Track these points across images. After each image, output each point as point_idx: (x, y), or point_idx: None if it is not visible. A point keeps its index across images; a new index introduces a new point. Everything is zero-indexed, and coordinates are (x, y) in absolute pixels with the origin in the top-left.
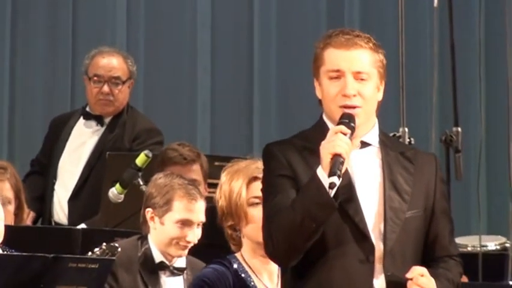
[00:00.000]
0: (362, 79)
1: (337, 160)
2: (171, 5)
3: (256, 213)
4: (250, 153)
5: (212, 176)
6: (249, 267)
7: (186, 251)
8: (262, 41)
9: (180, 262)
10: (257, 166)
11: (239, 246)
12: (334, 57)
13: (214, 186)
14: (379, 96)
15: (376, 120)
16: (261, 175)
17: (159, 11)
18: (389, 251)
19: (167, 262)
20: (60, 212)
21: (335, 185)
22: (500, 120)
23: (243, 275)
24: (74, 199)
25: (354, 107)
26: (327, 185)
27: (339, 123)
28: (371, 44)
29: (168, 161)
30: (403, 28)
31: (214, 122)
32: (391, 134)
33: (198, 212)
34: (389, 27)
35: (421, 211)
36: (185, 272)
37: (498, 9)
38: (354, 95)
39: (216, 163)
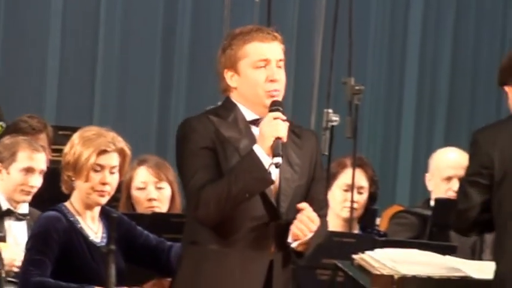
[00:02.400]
0: (279, 66)
1: (278, 142)
2: None
3: (95, 177)
4: (90, 123)
5: (57, 143)
6: (77, 212)
7: (30, 197)
8: (107, 19)
9: (24, 209)
10: (108, 140)
11: (69, 190)
12: (261, 49)
13: (58, 151)
14: None
15: None
16: (109, 149)
17: None
18: (280, 208)
19: (13, 209)
20: None
21: (280, 164)
22: None
23: (71, 219)
24: None
25: (277, 91)
26: (266, 163)
27: (273, 110)
28: (280, 37)
29: (19, 130)
30: (228, 16)
31: (60, 94)
32: None
33: (40, 161)
34: (217, 20)
35: (306, 180)
36: (27, 217)
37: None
38: (278, 80)
39: (60, 132)
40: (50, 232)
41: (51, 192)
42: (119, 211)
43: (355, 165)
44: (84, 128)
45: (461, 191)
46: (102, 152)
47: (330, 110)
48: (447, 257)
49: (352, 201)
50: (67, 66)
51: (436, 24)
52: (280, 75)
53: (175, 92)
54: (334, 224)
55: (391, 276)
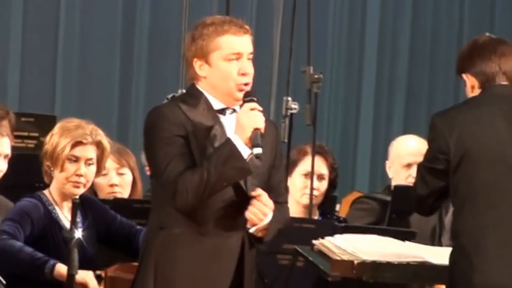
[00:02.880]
0: (249, 59)
1: (257, 133)
2: None
3: (71, 168)
4: (52, 111)
5: (20, 129)
6: (54, 201)
7: None
8: (67, 7)
9: None
10: (85, 132)
11: (49, 180)
12: (234, 42)
13: (20, 137)
14: None
15: None
16: (85, 141)
17: None
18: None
19: None
20: None
21: (260, 155)
22: None
23: (49, 207)
24: None
25: (248, 84)
26: (244, 153)
27: (247, 101)
28: (251, 30)
29: None
30: (187, 5)
31: (22, 81)
32: None
33: (3, 145)
34: (176, 9)
35: (268, 168)
36: None
37: None
38: (249, 73)
39: (23, 119)
40: (26, 215)
41: (15, 179)
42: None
43: (314, 152)
44: (67, 119)
45: (419, 176)
46: (78, 143)
47: (289, 98)
48: (406, 242)
49: (312, 189)
50: (29, 53)
51: (394, 12)
52: (251, 69)
53: (135, 80)
54: (295, 210)
55: (351, 262)
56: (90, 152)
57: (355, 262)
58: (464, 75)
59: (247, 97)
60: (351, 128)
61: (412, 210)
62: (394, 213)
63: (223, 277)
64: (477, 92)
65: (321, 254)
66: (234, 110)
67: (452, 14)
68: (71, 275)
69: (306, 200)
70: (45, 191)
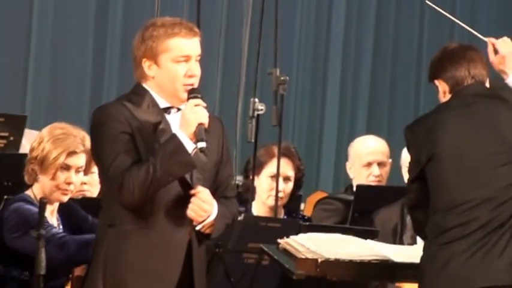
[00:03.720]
0: (197, 61)
1: (201, 128)
2: None
3: (61, 176)
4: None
5: None
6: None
7: None
8: (40, 7)
9: None
10: (77, 141)
11: (31, 182)
12: (183, 45)
13: None
14: None
15: None
16: (78, 150)
17: None
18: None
19: None
20: None
21: (204, 148)
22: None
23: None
24: None
25: (193, 85)
26: (189, 147)
27: (192, 97)
28: (199, 32)
29: None
30: (158, 8)
31: None
32: None
33: None
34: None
35: (214, 163)
36: None
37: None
38: (196, 75)
39: None
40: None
41: None
42: None
43: (280, 151)
44: (54, 125)
45: (408, 189)
46: (72, 153)
47: (256, 100)
48: (368, 241)
49: (277, 191)
50: (0, 54)
51: (358, 18)
52: (198, 70)
53: (107, 80)
54: (261, 210)
55: (315, 260)
56: (82, 160)
57: (319, 260)
58: (436, 81)
59: (192, 93)
60: (315, 129)
61: (374, 209)
62: (356, 213)
63: (171, 271)
64: (448, 97)
65: (286, 252)
66: (179, 109)
67: (413, 22)
68: (38, 275)
69: (272, 202)
70: (29, 192)
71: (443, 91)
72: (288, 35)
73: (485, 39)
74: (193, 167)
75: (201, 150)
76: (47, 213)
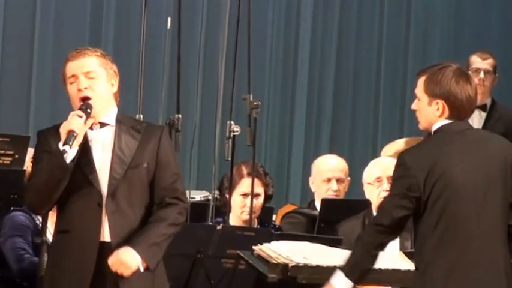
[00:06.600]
0: (91, 77)
1: (70, 134)
2: None
3: None
4: (27, 132)
5: None
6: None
7: None
8: (41, 29)
9: None
10: None
11: None
12: (70, 67)
13: None
14: (114, 89)
15: (115, 107)
16: None
17: None
18: (110, 194)
19: None
20: None
21: (65, 151)
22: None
23: (36, 221)
24: None
25: (88, 98)
26: (61, 151)
27: (78, 109)
28: (98, 53)
29: None
30: (144, 42)
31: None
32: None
33: None
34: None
35: (143, 166)
36: None
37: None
38: (86, 88)
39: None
40: (24, 227)
41: None
42: None
43: (254, 168)
44: None
45: (384, 209)
46: None
47: (232, 122)
48: (334, 248)
49: (252, 207)
50: (4, 76)
51: (321, 54)
52: (90, 83)
53: None
54: (236, 223)
55: (286, 265)
56: None
57: (290, 265)
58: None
59: (81, 106)
60: (285, 148)
61: (338, 220)
62: (322, 223)
63: (84, 265)
64: (444, 111)
65: (260, 258)
66: (104, 124)
67: (371, 52)
68: (40, 277)
69: (245, 216)
70: None
71: (438, 109)
72: (260, 65)
73: None
74: (65, 168)
75: (62, 153)
76: (49, 223)
